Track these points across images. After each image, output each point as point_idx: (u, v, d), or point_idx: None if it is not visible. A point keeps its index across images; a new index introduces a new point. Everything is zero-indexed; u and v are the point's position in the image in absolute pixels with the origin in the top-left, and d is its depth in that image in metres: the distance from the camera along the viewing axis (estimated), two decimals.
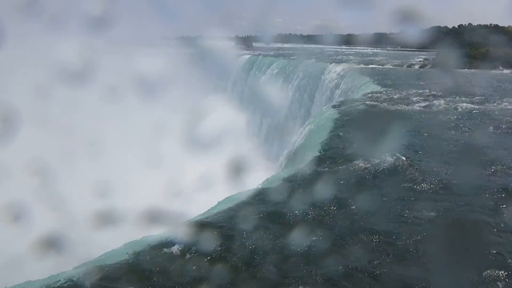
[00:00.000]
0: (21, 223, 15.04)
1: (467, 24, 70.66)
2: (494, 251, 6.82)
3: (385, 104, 17.87)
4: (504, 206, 8.24)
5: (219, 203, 8.85)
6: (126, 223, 14.93)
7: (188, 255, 6.62)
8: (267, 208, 8.21)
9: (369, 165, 10.20)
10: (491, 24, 61.89)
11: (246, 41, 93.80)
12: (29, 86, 28.43)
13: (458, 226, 7.88)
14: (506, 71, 33.39)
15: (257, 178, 10.81)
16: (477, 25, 66.62)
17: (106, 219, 15.46)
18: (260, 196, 8.82)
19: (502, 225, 7.62)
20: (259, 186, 9.73)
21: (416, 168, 10.10)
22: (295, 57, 44.49)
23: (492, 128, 14.30)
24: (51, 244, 13.09)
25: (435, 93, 20.26)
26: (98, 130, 28.15)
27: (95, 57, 25.65)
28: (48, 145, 25.96)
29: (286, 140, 27.13)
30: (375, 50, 75.72)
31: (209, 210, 8.60)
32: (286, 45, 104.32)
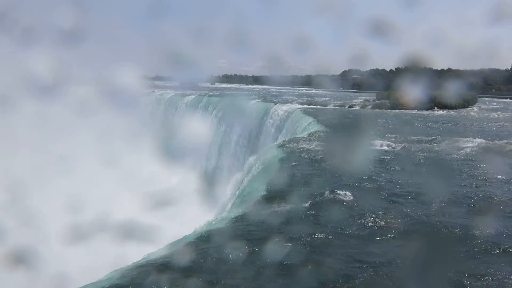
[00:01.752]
0: None
1: (403, 67, 74.84)
2: (462, 261, 7.41)
3: (330, 142, 18.62)
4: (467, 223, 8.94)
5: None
6: (99, 238, 15.16)
7: None
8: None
9: (316, 198, 10.47)
10: (425, 67, 65.23)
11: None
12: None
13: (424, 240, 8.54)
14: (440, 112, 35.93)
15: None
16: (413, 67, 70.30)
17: (78, 234, 15.65)
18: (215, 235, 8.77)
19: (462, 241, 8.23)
20: (205, 228, 9.60)
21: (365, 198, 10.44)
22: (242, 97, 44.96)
23: (428, 162, 14.97)
24: (22, 259, 13.16)
25: (375, 132, 21.01)
26: (70, 144, 27.69)
27: (65, 70, 25.22)
28: (18, 159, 25.59)
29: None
30: (318, 91, 78.66)
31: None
32: (231, 85, 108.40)
